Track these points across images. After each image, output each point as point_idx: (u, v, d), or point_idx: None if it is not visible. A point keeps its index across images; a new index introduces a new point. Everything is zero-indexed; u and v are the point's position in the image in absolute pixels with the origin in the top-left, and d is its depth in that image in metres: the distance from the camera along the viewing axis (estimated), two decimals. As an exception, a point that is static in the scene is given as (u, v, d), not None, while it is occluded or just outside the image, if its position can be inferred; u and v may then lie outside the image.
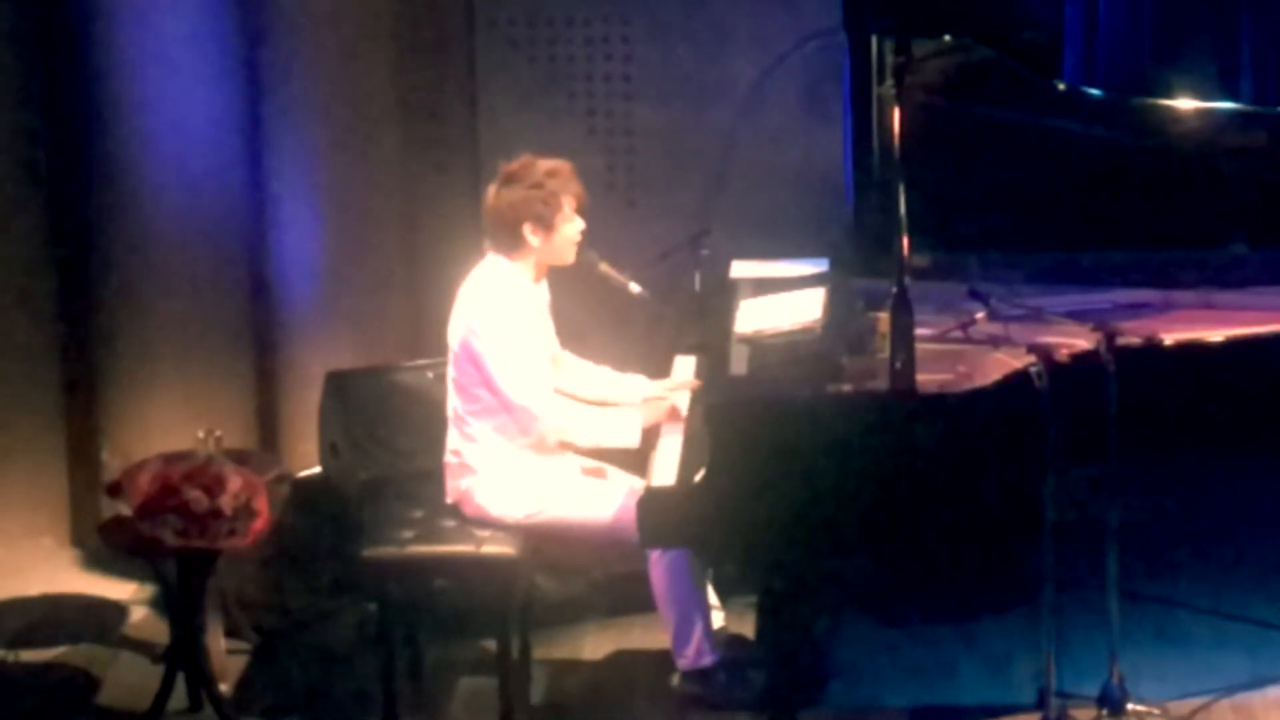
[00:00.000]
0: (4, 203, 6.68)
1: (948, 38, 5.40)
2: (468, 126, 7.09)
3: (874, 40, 5.39)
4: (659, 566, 5.39)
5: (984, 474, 4.97)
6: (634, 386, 5.62)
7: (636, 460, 5.38)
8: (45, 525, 6.86)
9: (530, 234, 5.34)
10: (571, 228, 5.39)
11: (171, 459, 5.41)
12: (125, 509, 5.34)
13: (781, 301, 5.68)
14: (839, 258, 6.09)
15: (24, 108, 6.67)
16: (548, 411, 5.33)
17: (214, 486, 5.21)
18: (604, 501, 5.36)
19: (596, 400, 5.59)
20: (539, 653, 5.68)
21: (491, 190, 5.39)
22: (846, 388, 5.11)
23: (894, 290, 4.88)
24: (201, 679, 5.43)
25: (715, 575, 5.68)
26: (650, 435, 5.37)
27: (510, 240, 5.37)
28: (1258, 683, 5.49)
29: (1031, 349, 5.06)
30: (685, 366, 5.75)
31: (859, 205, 6.98)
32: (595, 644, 5.96)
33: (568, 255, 5.43)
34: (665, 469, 5.12)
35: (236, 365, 6.77)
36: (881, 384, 5.01)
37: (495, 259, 5.40)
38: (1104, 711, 5.14)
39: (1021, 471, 5.01)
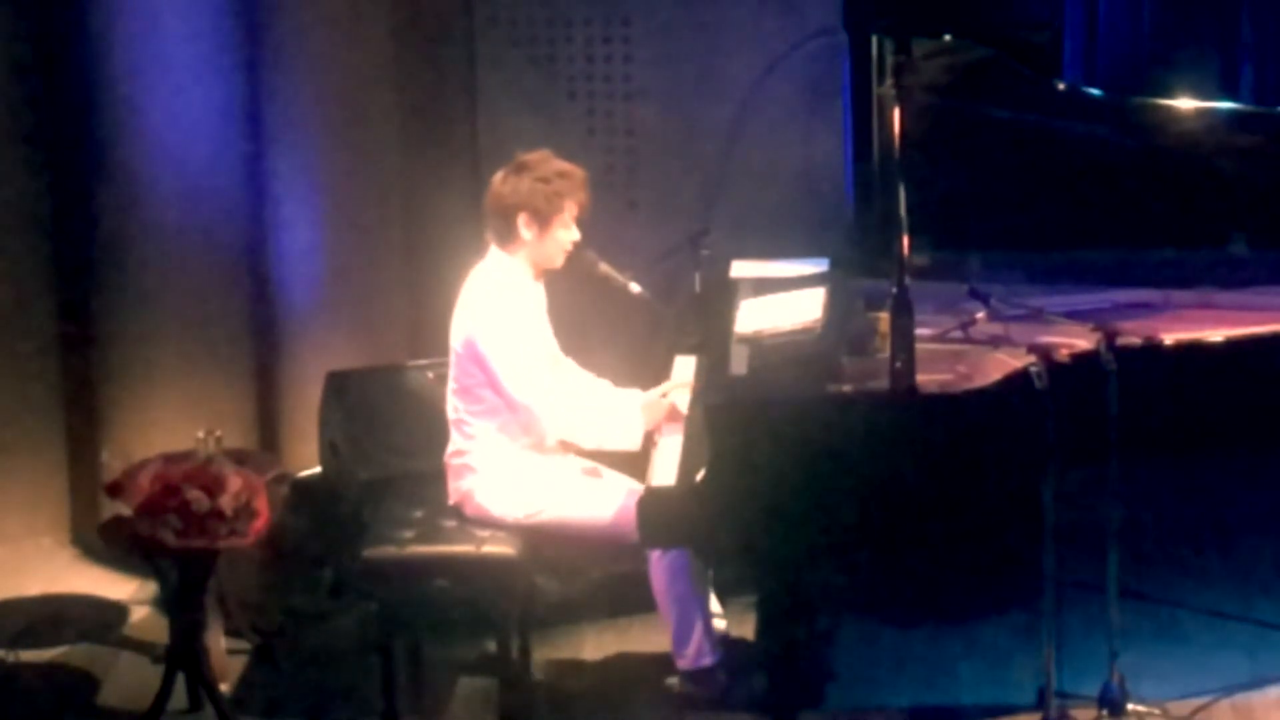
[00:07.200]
0: (4, 203, 6.67)
1: (948, 38, 5.40)
2: (468, 126, 7.08)
3: (874, 40, 5.38)
4: (659, 566, 5.39)
5: (984, 474, 4.97)
6: (630, 401, 5.58)
7: (637, 461, 5.38)
8: (45, 525, 6.87)
9: (524, 226, 5.33)
10: (565, 234, 5.38)
11: (171, 459, 5.41)
12: (125, 509, 5.34)
13: (781, 301, 5.67)
14: (839, 258, 6.08)
15: (24, 107, 6.67)
16: (551, 411, 5.32)
17: (214, 486, 5.21)
18: (604, 501, 5.36)
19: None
20: (539, 653, 5.67)
21: (499, 176, 5.38)
22: (846, 388, 5.11)
23: (894, 290, 4.89)
24: (201, 679, 5.43)
25: (715, 575, 5.68)
26: (650, 437, 5.37)
27: (504, 229, 5.36)
28: (1258, 683, 5.49)
29: (1031, 349, 5.06)
30: (685, 366, 5.74)
31: (859, 205, 6.98)
32: (595, 644, 5.96)
33: (556, 259, 5.42)
34: (665, 469, 5.11)
35: (236, 365, 6.76)
36: (881, 384, 5.01)
37: (496, 255, 5.39)
38: (1104, 711, 5.13)
39: (1022, 471, 5.01)
